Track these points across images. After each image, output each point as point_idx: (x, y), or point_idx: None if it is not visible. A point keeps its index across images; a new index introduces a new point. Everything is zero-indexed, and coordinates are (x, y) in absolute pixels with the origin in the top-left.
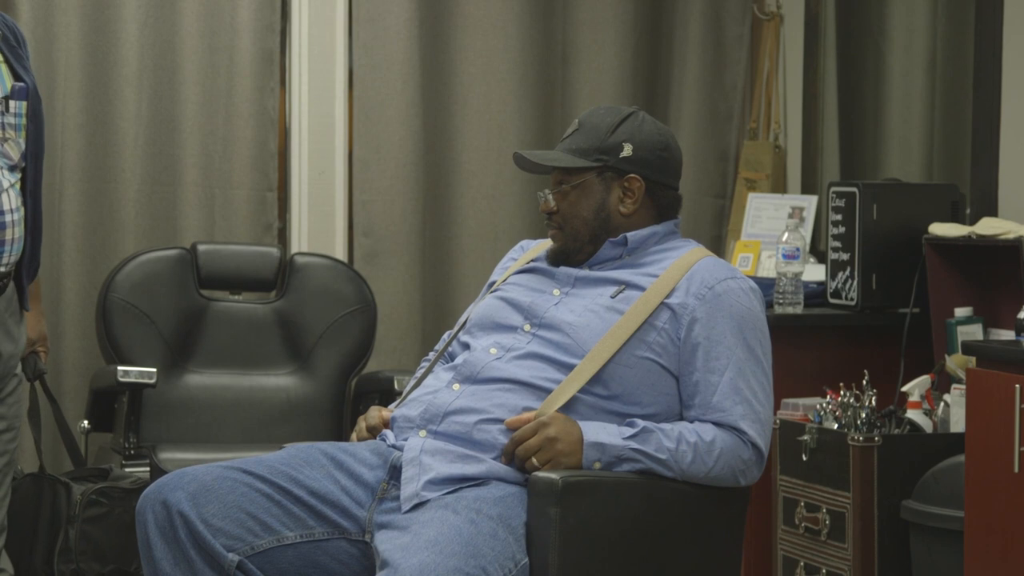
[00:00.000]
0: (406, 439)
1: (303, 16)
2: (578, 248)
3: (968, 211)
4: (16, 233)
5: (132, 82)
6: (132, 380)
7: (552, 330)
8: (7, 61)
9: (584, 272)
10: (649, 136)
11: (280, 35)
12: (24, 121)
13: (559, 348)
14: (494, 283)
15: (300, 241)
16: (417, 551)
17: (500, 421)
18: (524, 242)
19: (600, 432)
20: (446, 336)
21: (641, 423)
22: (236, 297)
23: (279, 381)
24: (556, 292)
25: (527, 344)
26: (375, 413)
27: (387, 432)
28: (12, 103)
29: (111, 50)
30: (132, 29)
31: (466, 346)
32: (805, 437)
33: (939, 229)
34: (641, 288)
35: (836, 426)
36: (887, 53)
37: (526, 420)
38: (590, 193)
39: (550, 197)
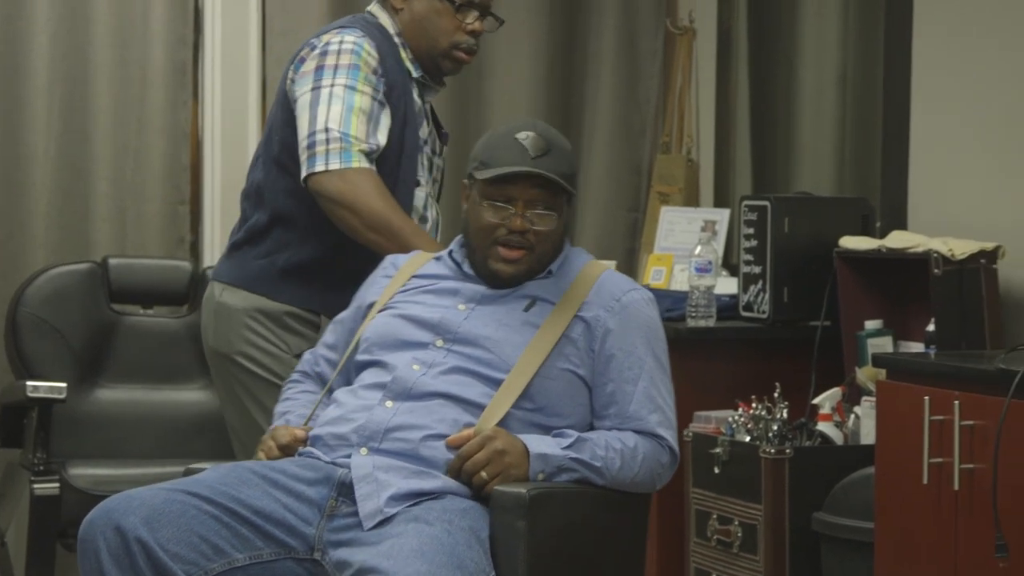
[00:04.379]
0: (348, 456)
1: (216, 28)
2: (540, 272)
3: (878, 225)
4: None
5: (42, 93)
6: (42, 395)
7: (470, 345)
8: None
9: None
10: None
11: (193, 47)
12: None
13: (482, 363)
14: (374, 303)
15: (213, 255)
16: (407, 561)
17: (444, 436)
18: (391, 258)
19: (541, 444)
20: (313, 355)
21: (573, 433)
22: (148, 311)
23: (191, 396)
24: (462, 307)
25: (445, 359)
26: (284, 431)
27: (312, 450)
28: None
29: (21, 61)
30: (43, 40)
31: (372, 365)
32: (717, 450)
33: (850, 242)
34: (551, 301)
35: (748, 438)
36: (798, 67)
37: (467, 436)
38: (560, 218)
39: (528, 216)
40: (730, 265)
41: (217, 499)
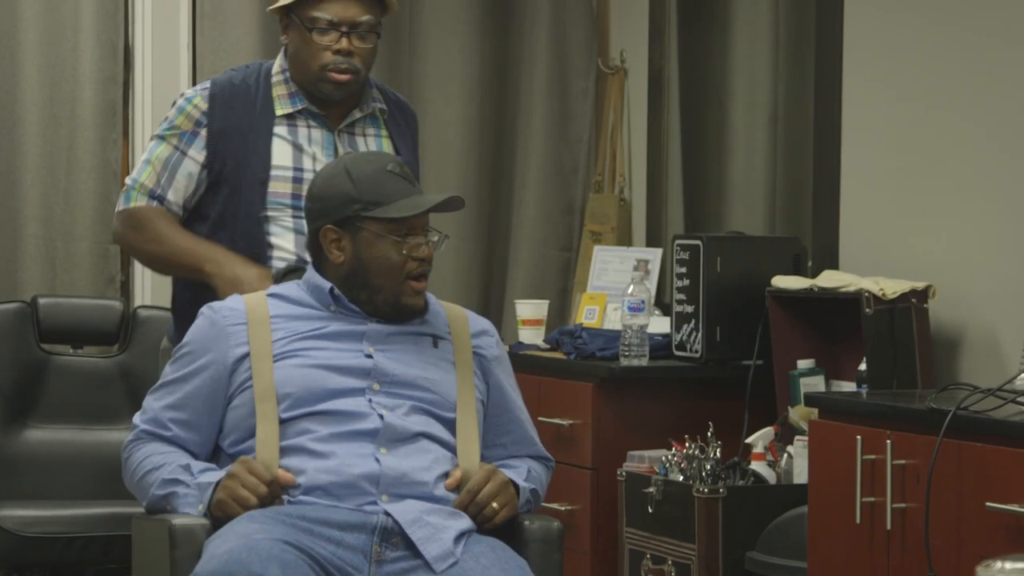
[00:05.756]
0: (373, 503)
1: (146, 68)
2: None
3: (810, 264)
4: None
5: None
6: None
7: (409, 387)
8: (390, 136)
9: (393, 327)
10: None
11: (123, 86)
12: None
13: (430, 403)
14: (245, 356)
15: (143, 294)
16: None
17: (443, 475)
18: (213, 304)
19: (516, 476)
20: (154, 417)
21: (515, 463)
22: (78, 351)
23: (122, 436)
24: (372, 350)
25: (396, 401)
26: (258, 466)
27: (308, 499)
28: None
29: None
30: None
31: (313, 415)
32: (651, 489)
33: (782, 282)
34: (444, 337)
35: (681, 478)
36: (730, 108)
37: (460, 478)
38: None
39: (430, 243)
40: (663, 304)
41: (300, 547)
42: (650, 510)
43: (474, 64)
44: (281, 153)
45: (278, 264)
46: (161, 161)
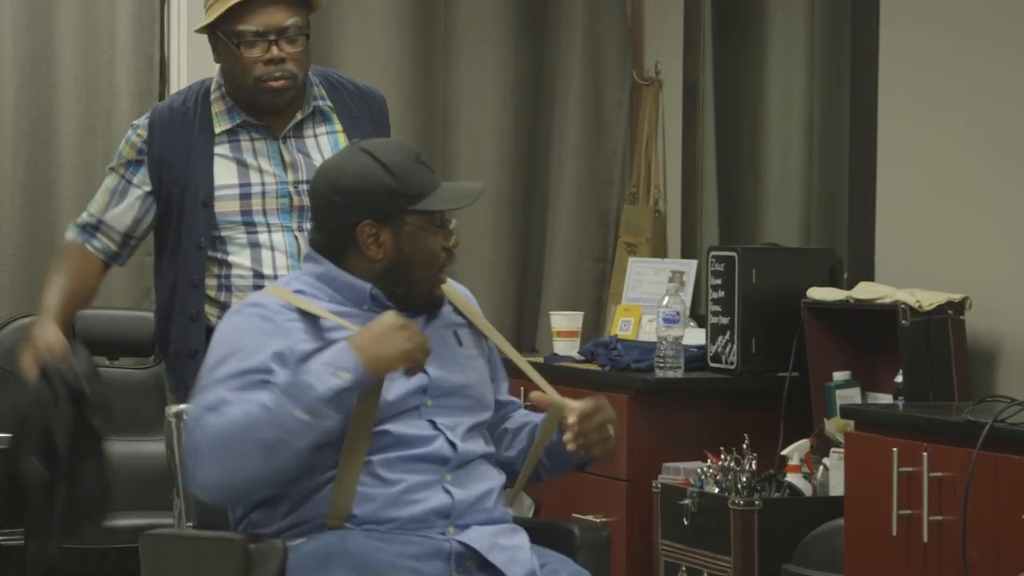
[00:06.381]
0: (442, 533)
1: (181, 80)
2: None
3: (846, 276)
4: None
5: (8, 145)
6: (7, 448)
7: (454, 396)
8: (346, 130)
9: (425, 325)
10: None
11: (159, 99)
12: None
13: (472, 412)
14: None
15: None
16: None
17: (498, 497)
18: (252, 299)
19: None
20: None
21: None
22: (114, 362)
23: (157, 447)
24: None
25: (454, 418)
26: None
27: (378, 528)
28: None
29: None
30: (8, 92)
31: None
32: (686, 501)
33: (817, 293)
34: (463, 325)
35: (717, 490)
36: (765, 118)
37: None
38: None
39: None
40: (698, 316)
41: None
42: (686, 522)
43: (509, 75)
44: (224, 172)
45: (237, 282)
46: (108, 191)
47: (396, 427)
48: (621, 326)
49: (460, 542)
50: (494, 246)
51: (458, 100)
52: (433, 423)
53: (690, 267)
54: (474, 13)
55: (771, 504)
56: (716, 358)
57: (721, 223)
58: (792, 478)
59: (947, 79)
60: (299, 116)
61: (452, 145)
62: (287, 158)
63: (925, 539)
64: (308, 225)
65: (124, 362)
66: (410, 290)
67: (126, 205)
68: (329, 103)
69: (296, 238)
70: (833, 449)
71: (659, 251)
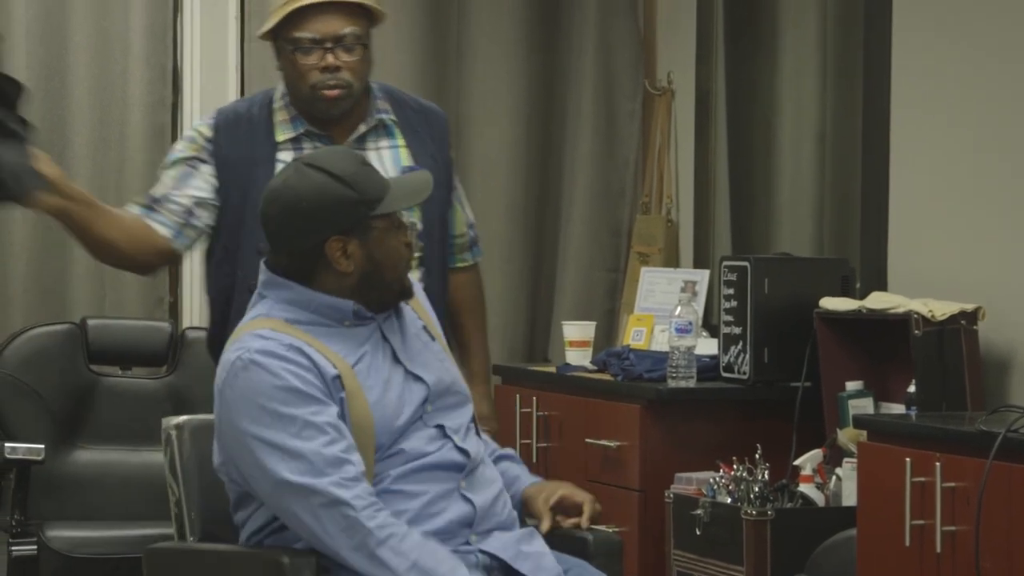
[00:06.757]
0: (466, 543)
1: (195, 91)
2: None
3: (858, 285)
4: None
5: None
6: (19, 457)
7: (448, 395)
8: (408, 145)
9: (397, 326)
10: None
11: (172, 109)
12: None
13: (461, 407)
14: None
15: (192, 315)
16: None
17: (502, 494)
18: (287, 344)
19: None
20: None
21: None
22: (126, 372)
23: None
24: (405, 362)
25: (456, 422)
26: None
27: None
28: None
29: None
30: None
31: (399, 453)
32: (698, 511)
33: (830, 303)
34: (416, 315)
35: (729, 500)
36: (777, 128)
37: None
38: None
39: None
40: (710, 326)
41: None
42: (698, 532)
43: (521, 85)
44: None
45: None
46: (174, 177)
47: (408, 443)
48: (633, 336)
49: (486, 552)
50: (506, 256)
51: (470, 110)
52: (442, 429)
53: (702, 277)
54: (486, 22)
55: (784, 514)
56: (728, 368)
57: (733, 233)
58: (805, 488)
59: (960, 88)
60: (363, 128)
61: (464, 155)
62: None
63: (938, 549)
64: None
65: (137, 372)
66: (383, 292)
67: (193, 187)
68: (393, 117)
69: None
70: (846, 459)
71: (671, 261)
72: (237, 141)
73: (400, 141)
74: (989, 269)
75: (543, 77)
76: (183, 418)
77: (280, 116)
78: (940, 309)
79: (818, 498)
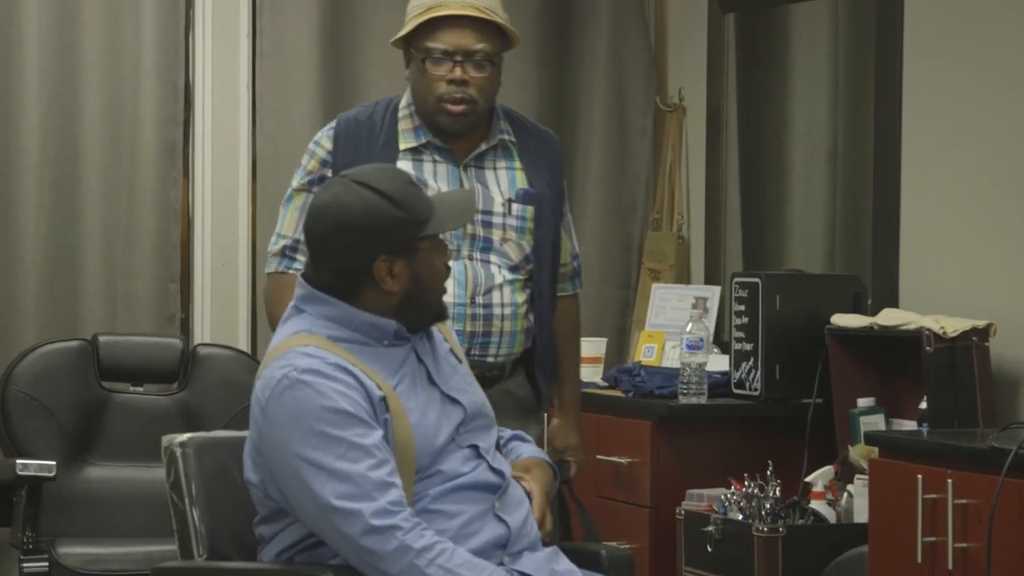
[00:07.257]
0: (500, 563)
1: (206, 107)
2: None
3: (870, 302)
4: (507, 327)
5: (33, 172)
6: (31, 473)
7: (477, 418)
8: (524, 168)
9: (430, 350)
10: None
11: (183, 125)
12: (529, 225)
13: (490, 428)
14: (383, 398)
15: (203, 332)
16: None
17: (530, 514)
18: (334, 364)
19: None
20: (397, 490)
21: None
22: (138, 389)
23: None
24: (440, 385)
25: (486, 442)
26: None
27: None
28: (515, 206)
29: (12, 140)
30: (33, 119)
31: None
32: (710, 528)
33: (841, 320)
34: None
35: (741, 517)
36: (788, 144)
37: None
38: None
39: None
40: (721, 342)
41: None
42: (709, 549)
43: (532, 101)
44: None
45: None
46: (298, 209)
47: (445, 464)
48: (645, 352)
49: (520, 572)
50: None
51: None
52: (476, 449)
53: (714, 293)
54: None
55: (795, 531)
56: (740, 384)
57: (745, 249)
58: (816, 505)
59: (971, 106)
60: (484, 146)
61: None
62: (466, 185)
63: (950, 566)
64: (479, 255)
65: (148, 389)
66: (422, 312)
67: None
68: (513, 138)
69: (466, 267)
70: (857, 476)
71: (683, 277)
72: (357, 148)
73: (517, 164)
74: (1001, 286)
75: (555, 93)
76: (187, 435)
77: (404, 124)
78: (952, 326)
79: (830, 515)
